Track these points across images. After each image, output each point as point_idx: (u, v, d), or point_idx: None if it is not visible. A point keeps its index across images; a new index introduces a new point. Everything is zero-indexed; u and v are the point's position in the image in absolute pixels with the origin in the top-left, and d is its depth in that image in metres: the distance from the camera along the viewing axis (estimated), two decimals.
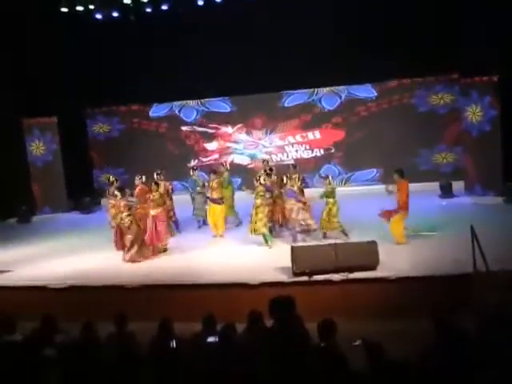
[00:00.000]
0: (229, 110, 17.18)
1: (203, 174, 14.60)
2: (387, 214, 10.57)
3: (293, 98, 16.67)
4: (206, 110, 17.36)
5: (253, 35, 14.93)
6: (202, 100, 17.25)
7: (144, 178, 12.61)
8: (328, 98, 16.44)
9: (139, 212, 11.62)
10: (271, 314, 5.46)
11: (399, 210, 10.44)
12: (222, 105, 17.22)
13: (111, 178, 12.87)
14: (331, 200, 11.07)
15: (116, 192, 11.46)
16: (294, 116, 16.67)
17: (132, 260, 10.97)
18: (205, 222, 12.99)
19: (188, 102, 17.40)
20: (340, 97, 16.36)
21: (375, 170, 16.13)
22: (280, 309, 5.42)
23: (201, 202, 13.03)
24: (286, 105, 16.73)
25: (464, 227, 8.95)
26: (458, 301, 7.72)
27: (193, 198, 13.37)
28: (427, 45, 13.91)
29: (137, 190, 12.37)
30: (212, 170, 12.86)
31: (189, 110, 17.48)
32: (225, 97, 16.98)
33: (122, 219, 11.18)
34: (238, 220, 13.10)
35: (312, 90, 16.46)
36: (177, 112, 17.57)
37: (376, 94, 16.06)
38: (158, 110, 17.75)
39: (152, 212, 11.25)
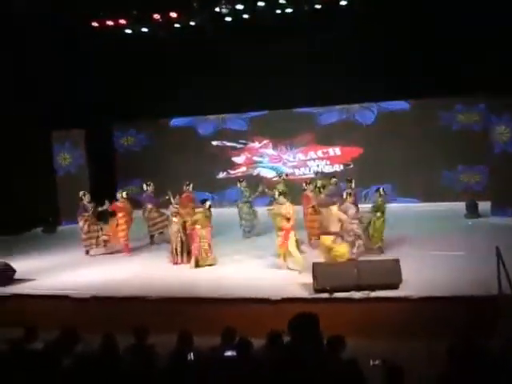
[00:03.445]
0: (245, 128, 17.43)
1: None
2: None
3: (325, 117, 16.72)
4: (223, 126, 17.53)
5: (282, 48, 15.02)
6: (222, 116, 17.38)
7: (191, 185, 13.35)
8: (362, 113, 16.46)
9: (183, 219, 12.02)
10: (293, 330, 5.41)
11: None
12: (239, 122, 17.48)
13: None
14: (378, 214, 10.95)
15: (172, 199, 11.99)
16: (336, 134, 16.76)
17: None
18: (250, 232, 13.48)
19: (208, 116, 17.56)
20: (373, 111, 16.36)
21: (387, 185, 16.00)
22: (302, 326, 5.37)
23: (248, 213, 13.43)
24: (322, 123, 16.85)
25: (489, 248, 8.81)
26: (481, 323, 7.59)
27: (240, 209, 13.67)
28: (455, 63, 13.83)
29: (183, 196, 12.96)
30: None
31: (207, 124, 17.66)
32: (265, 110, 17.11)
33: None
34: None
35: (341, 107, 16.49)
36: (195, 126, 17.75)
37: (408, 105, 16.01)
38: (177, 121, 18.03)
39: (198, 228, 11.33)
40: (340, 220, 9.94)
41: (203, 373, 4.76)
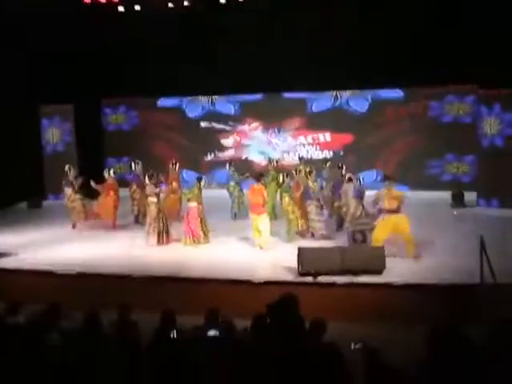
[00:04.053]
0: (232, 112, 17.31)
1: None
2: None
3: (317, 105, 16.69)
4: (211, 109, 17.43)
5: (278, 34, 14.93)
6: (213, 97, 17.29)
7: (178, 165, 13.73)
8: (355, 100, 16.42)
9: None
10: (272, 313, 5.44)
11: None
12: (228, 106, 17.34)
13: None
14: None
15: (147, 179, 11.88)
16: (327, 122, 16.67)
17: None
18: (236, 216, 13.59)
19: (198, 97, 17.44)
20: (367, 98, 16.34)
21: (376, 172, 16.04)
22: (282, 308, 5.40)
23: (237, 196, 13.62)
24: (314, 111, 16.76)
25: (473, 238, 8.92)
26: (463, 311, 7.69)
27: (230, 193, 13.79)
28: (447, 53, 13.82)
29: (169, 175, 13.40)
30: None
31: (195, 105, 17.55)
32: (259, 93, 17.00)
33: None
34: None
35: (333, 94, 16.45)
36: (183, 106, 17.64)
37: (403, 93, 16.00)
38: (165, 101, 17.84)
39: (195, 205, 11.47)
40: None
41: (185, 351, 4.79)
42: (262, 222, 10.98)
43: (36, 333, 5.34)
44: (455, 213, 13.78)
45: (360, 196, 10.90)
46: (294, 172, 12.40)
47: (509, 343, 4.75)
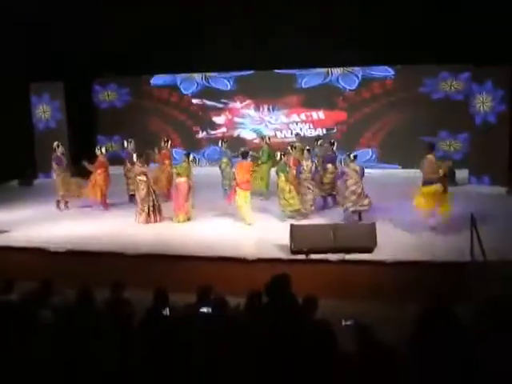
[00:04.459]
0: (229, 88, 17.12)
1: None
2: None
3: (307, 80, 16.56)
4: (206, 84, 17.26)
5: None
6: (207, 74, 17.13)
7: (170, 142, 13.66)
8: (345, 78, 16.33)
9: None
10: (267, 292, 5.48)
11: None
12: (223, 82, 17.15)
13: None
14: None
15: (135, 158, 11.84)
16: (316, 97, 16.55)
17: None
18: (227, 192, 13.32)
19: (191, 74, 17.28)
20: (357, 76, 16.24)
21: (370, 150, 16.01)
22: (275, 287, 5.44)
23: (230, 172, 13.16)
24: (303, 86, 16.63)
25: (464, 215, 8.97)
26: (453, 288, 7.76)
27: (223, 169, 13.63)
28: (441, 30, 13.71)
29: (162, 153, 13.34)
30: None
31: (189, 82, 17.38)
32: (233, 72, 16.85)
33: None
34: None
35: (326, 70, 16.33)
36: (178, 83, 17.48)
37: (393, 72, 15.91)
38: (158, 79, 17.65)
39: (177, 180, 11.65)
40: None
41: (178, 328, 4.81)
42: (247, 198, 11.22)
43: (29, 310, 5.35)
44: None
45: (362, 174, 10.96)
46: (289, 148, 12.35)
47: (495, 322, 4.80)
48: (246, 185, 11.24)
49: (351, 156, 11.23)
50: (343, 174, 11.16)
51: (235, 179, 11.40)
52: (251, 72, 16.89)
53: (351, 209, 10.85)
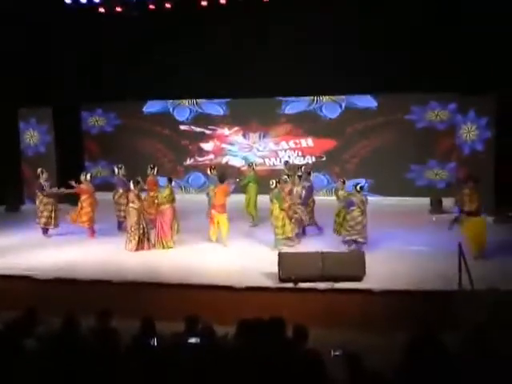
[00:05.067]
0: (222, 113, 17.16)
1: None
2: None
3: (292, 106, 16.68)
4: (199, 111, 17.33)
5: (254, 38, 14.95)
6: (197, 101, 17.22)
7: (156, 169, 13.32)
8: (329, 106, 16.44)
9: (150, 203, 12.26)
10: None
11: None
12: (215, 108, 17.18)
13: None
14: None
15: (131, 185, 11.80)
16: (296, 123, 16.62)
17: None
18: None
19: (182, 101, 17.35)
20: (340, 106, 16.36)
21: (364, 180, 16.05)
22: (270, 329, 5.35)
23: None
24: (286, 112, 16.72)
25: (452, 244, 9.00)
26: (442, 317, 7.75)
27: (210, 197, 13.28)
28: (428, 60, 13.94)
29: (148, 180, 13.03)
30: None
31: (182, 109, 17.44)
32: (221, 99, 16.92)
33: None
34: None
35: (311, 98, 16.46)
36: (170, 110, 17.53)
37: (377, 104, 16.05)
38: (151, 106, 17.66)
39: (159, 208, 11.61)
40: None
41: (166, 358, 4.76)
42: (223, 220, 11.64)
43: (14, 339, 5.27)
44: (434, 219, 13.92)
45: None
46: (286, 177, 12.36)
47: (482, 350, 4.81)
48: (221, 208, 11.65)
49: (358, 187, 11.08)
50: (351, 204, 10.97)
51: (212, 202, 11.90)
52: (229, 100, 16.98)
53: (347, 238, 10.85)
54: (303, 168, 13.34)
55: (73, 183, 12.78)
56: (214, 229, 11.82)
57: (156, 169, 13.50)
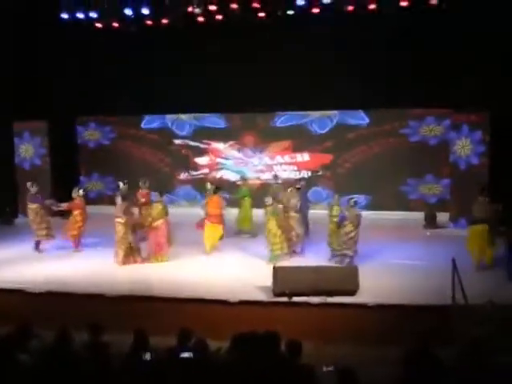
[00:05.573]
0: (222, 126, 17.15)
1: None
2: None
3: (284, 119, 16.74)
4: (199, 124, 17.35)
5: (251, 55, 15.04)
6: (195, 115, 17.26)
7: (148, 183, 13.23)
8: (320, 122, 16.51)
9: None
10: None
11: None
12: (215, 120, 17.21)
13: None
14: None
15: (119, 199, 11.73)
16: (285, 136, 16.69)
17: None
18: None
19: (180, 115, 17.39)
20: (332, 121, 16.43)
21: (363, 196, 16.04)
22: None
23: None
24: (277, 125, 16.78)
25: (446, 259, 9.03)
26: (435, 332, 7.74)
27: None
28: (421, 76, 14.06)
29: (142, 193, 12.98)
30: None
31: (182, 123, 17.46)
32: (217, 113, 16.98)
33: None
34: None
35: (305, 112, 16.52)
36: (169, 125, 17.53)
37: (368, 120, 16.12)
38: (149, 122, 17.66)
39: (154, 224, 11.55)
40: None
41: (158, 373, 4.74)
42: (216, 231, 12.12)
43: (6, 354, 5.24)
44: (428, 233, 13.96)
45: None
46: (284, 192, 12.42)
47: (476, 363, 4.82)
48: (214, 218, 12.08)
49: (351, 201, 11.13)
50: (343, 219, 11.00)
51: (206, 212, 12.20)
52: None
53: (337, 253, 10.91)
54: (298, 182, 13.40)
55: (64, 205, 12.82)
56: (206, 236, 12.06)
57: (148, 182, 13.45)
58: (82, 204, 12.77)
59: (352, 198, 11.39)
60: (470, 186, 13.58)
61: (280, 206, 11.77)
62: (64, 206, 12.87)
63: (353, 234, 10.81)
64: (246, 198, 13.76)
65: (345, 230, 10.86)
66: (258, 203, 13.21)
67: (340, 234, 10.98)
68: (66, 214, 13.37)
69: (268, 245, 11.34)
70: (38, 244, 12.67)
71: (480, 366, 4.85)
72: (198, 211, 13.31)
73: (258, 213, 13.08)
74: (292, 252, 11.70)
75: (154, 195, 12.10)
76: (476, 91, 12.99)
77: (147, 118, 17.54)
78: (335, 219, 11.33)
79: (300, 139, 16.54)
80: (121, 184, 13.26)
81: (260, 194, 14.21)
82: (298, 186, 12.45)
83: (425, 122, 15.63)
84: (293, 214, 11.76)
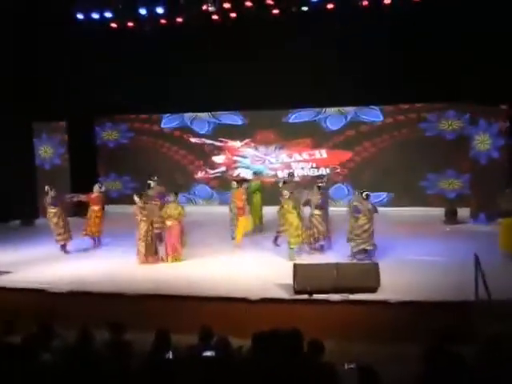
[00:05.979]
0: (240, 122, 17.15)
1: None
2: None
3: (298, 116, 16.67)
4: (218, 122, 17.35)
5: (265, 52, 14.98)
6: (213, 113, 17.26)
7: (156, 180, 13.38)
8: (334, 118, 16.44)
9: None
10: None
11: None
12: (233, 117, 17.20)
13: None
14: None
15: (136, 197, 11.73)
16: (300, 133, 16.63)
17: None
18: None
19: (199, 114, 17.41)
20: (346, 118, 16.34)
21: (385, 193, 15.93)
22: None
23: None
24: (290, 121, 16.73)
25: (467, 255, 8.92)
26: (458, 328, 7.67)
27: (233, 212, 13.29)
28: (441, 70, 13.90)
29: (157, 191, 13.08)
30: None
31: (201, 122, 17.47)
32: (234, 111, 16.98)
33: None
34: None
35: (319, 109, 16.45)
36: (188, 124, 17.56)
37: (382, 118, 16.02)
38: (169, 122, 17.72)
39: (168, 223, 11.59)
40: None
41: (180, 371, 4.74)
42: (241, 221, 12.60)
43: (29, 352, 5.28)
44: (448, 229, 13.82)
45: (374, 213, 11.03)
46: (308, 188, 12.46)
47: (499, 361, 4.75)
48: (240, 210, 12.67)
49: (363, 194, 11.10)
50: (357, 212, 11.01)
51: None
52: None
53: (355, 249, 10.85)
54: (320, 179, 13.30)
55: (83, 196, 12.89)
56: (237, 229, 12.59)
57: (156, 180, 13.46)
58: (101, 199, 12.86)
59: (364, 191, 11.30)
60: (490, 180, 13.47)
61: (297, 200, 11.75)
62: (83, 197, 13.00)
63: (367, 227, 10.81)
64: (257, 193, 13.74)
65: (358, 222, 10.86)
66: (268, 200, 13.26)
67: (354, 227, 10.96)
68: (83, 211, 13.42)
69: (289, 238, 11.31)
70: (64, 246, 12.74)
71: (502, 363, 4.78)
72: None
73: (268, 210, 13.27)
74: (313, 249, 11.65)
75: (169, 196, 12.13)
76: (492, 84, 12.82)
77: (166, 117, 17.60)
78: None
79: (316, 136, 16.50)
80: (152, 183, 13.29)
81: (272, 191, 14.23)
82: (319, 184, 12.38)
83: (443, 117, 15.50)
84: (316, 211, 11.71)
